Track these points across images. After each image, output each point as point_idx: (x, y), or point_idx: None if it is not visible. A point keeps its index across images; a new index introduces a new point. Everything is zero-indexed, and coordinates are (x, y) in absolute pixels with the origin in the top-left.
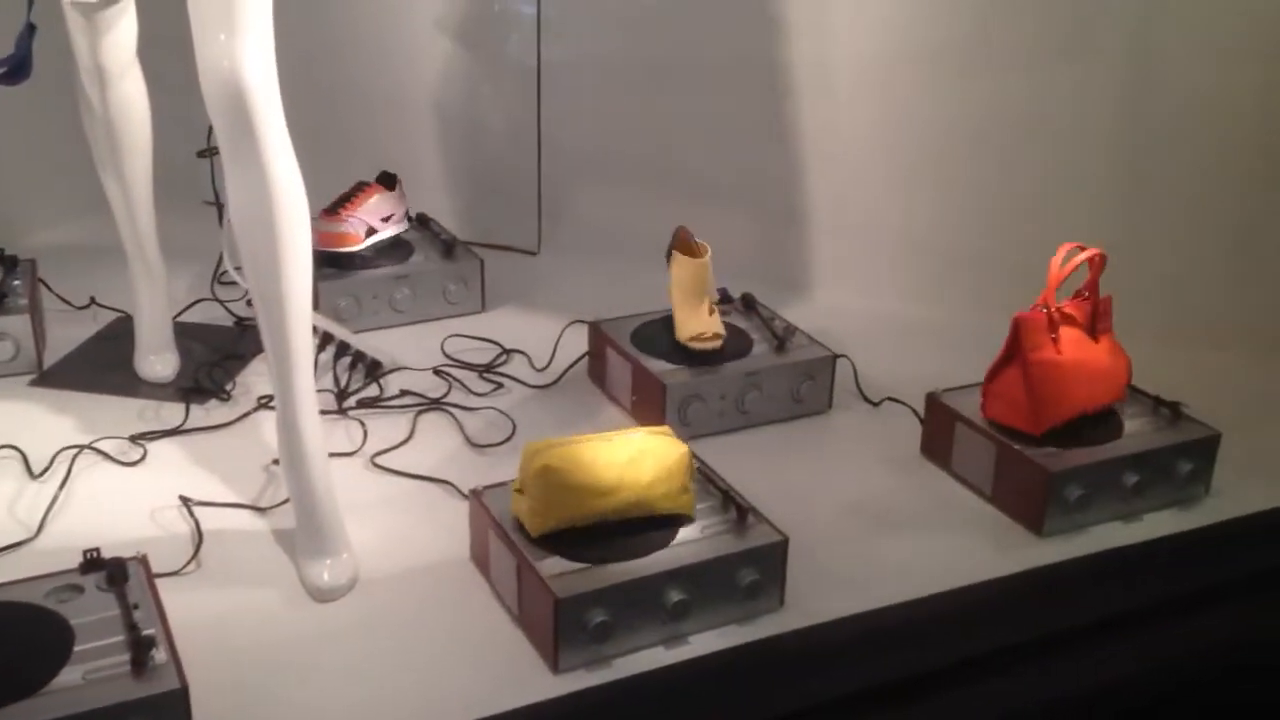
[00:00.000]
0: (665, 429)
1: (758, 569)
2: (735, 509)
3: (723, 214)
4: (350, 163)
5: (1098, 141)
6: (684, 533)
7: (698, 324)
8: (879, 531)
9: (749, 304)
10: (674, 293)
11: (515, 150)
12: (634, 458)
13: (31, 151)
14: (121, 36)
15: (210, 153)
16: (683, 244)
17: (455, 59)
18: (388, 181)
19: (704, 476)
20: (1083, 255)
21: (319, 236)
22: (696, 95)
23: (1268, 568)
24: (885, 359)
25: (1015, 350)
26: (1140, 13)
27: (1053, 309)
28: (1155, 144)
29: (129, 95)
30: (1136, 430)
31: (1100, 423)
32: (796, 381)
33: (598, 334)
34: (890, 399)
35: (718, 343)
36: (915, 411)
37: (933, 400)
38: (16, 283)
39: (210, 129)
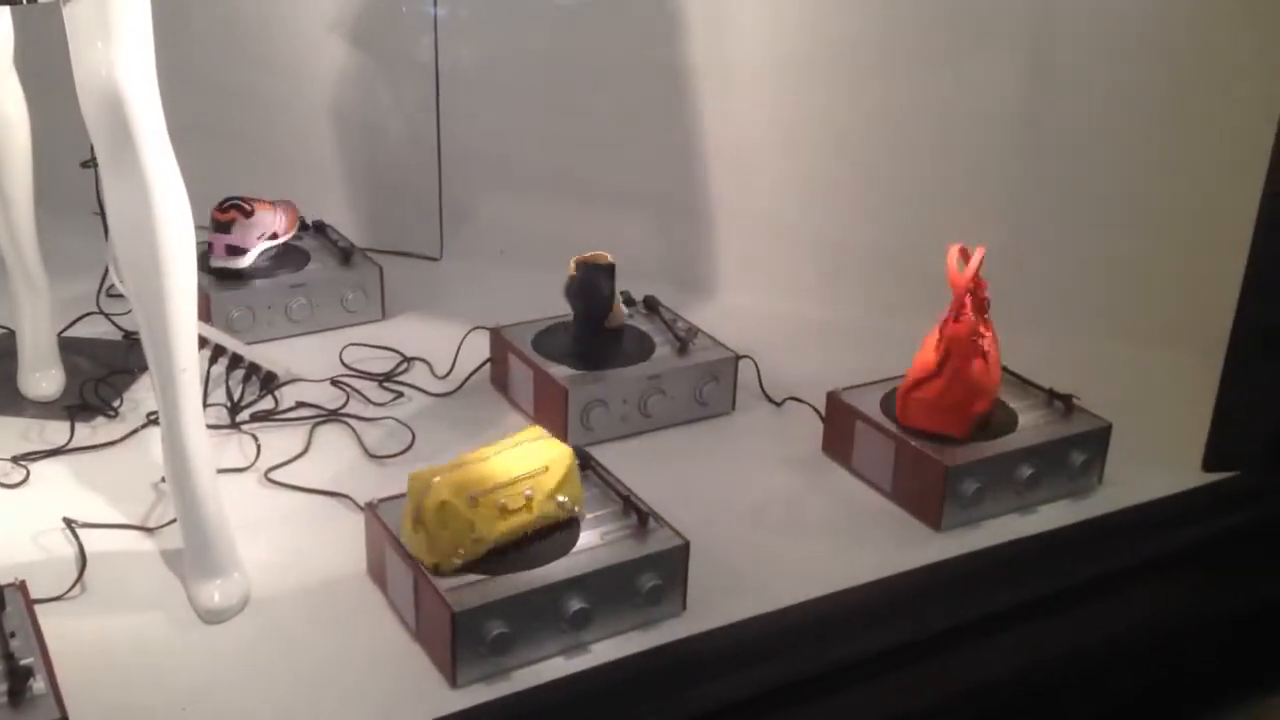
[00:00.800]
0: (539, 429)
1: (659, 574)
2: (636, 514)
3: (625, 216)
4: (243, 168)
5: (997, 140)
6: (584, 539)
7: None
8: (781, 532)
9: (651, 306)
10: None
11: (415, 154)
12: (536, 469)
13: None
14: None
15: (95, 163)
16: None
17: (352, 61)
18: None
19: (605, 482)
20: (978, 256)
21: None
22: (599, 97)
23: (1159, 555)
24: (788, 359)
25: (946, 361)
26: (1041, 9)
27: (972, 316)
28: (1055, 142)
29: (5, 103)
30: (1031, 423)
31: (993, 414)
32: (700, 383)
33: (499, 340)
34: (792, 399)
35: None
36: (817, 410)
37: (833, 399)
38: None
39: None
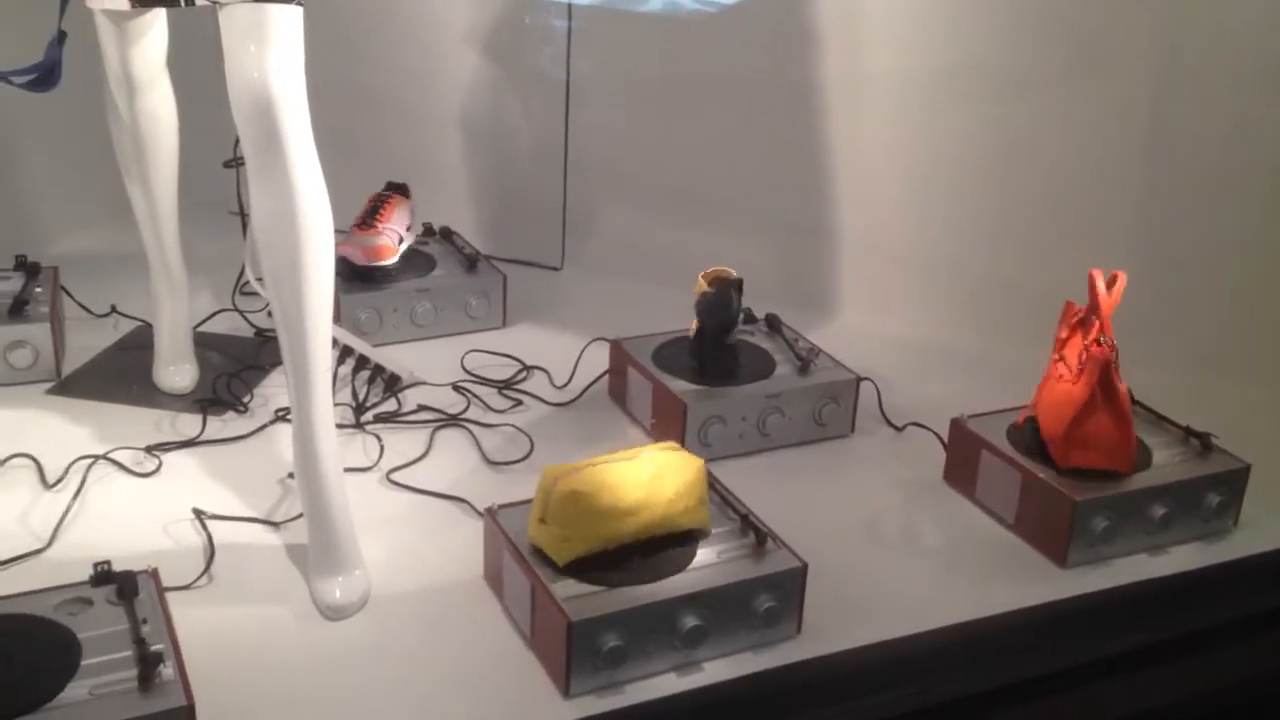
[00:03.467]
0: (673, 444)
1: (775, 595)
2: (754, 533)
3: (749, 234)
4: (373, 174)
5: (1121, 168)
6: (701, 556)
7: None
8: (900, 559)
9: (773, 325)
10: None
11: (541, 165)
12: (655, 475)
13: (56, 159)
14: (151, 45)
15: (237, 163)
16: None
17: (483, 71)
18: (403, 191)
19: (723, 499)
20: (1121, 282)
21: (360, 251)
22: (725, 113)
23: None
24: (910, 383)
25: (1100, 393)
26: (1168, 36)
27: (1112, 340)
28: (1181, 169)
29: (157, 104)
30: (1165, 461)
31: None
32: (819, 404)
33: (619, 352)
34: (914, 424)
35: None
36: (939, 437)
37: (957, 426)
38: (38, 290)
39: (238, 139)
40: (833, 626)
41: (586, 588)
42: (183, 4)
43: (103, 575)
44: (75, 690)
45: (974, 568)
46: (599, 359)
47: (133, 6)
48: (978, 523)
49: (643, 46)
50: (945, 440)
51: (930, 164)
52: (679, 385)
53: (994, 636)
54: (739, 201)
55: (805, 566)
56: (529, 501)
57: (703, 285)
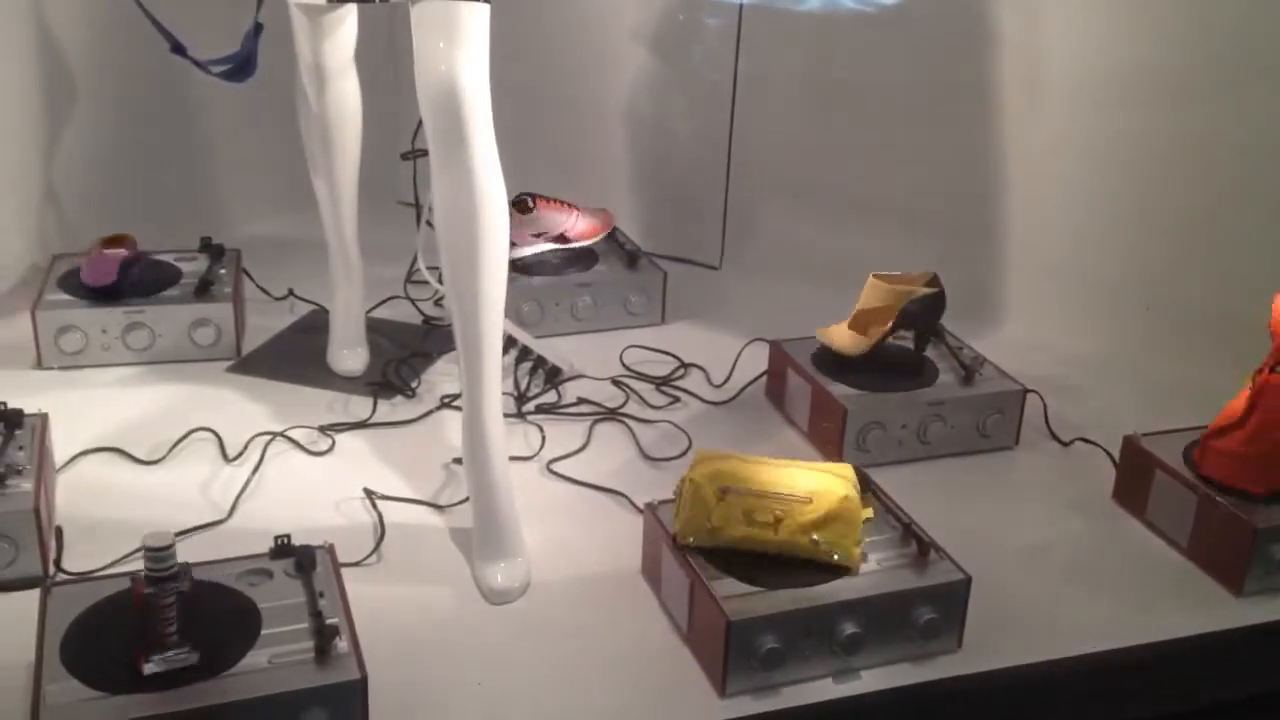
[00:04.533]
0: (847, 468)
1: (936, 608)
2: (916, 543)
3: (912, 238)
4: (538, 168)
5: None
6: (862, 563)
7: (838, 333)
8: (1064, 578)
9: (936, 332)
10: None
11: (704, 163)
12: (800, 496)
13: (243, 147)
14: (342, 38)
15: (413, 155)
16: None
17: (649, 68)
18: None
19: (885, 507)
20: None
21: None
22: (891, 115)
23: None
24: (1078, 398)
25: (1253, 412)
26: None
27: None
28: None
29: (345, 94)
30: None
31: None
32: (984, 415)
33: (778, 353)
34: (1082, 439)
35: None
36: (1110, 454)
37: (1130, 444)
38: (223, 271)
39: (416, 132)
40: (994, 643)
41: (746, 587)
42: (376, 0)
43: (282, 548)
44: (255, 658)
45: (1143, 591)
46: (758, 359)
47: (329, 1)
48: (1148, 545)
49: (811, 47)
50: (1115, 458)
51: (1112, 173)
52: (839, 389)
53: (1162, 663)
54: (902, 205)
55: (969, 579)
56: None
57: (881, 286)
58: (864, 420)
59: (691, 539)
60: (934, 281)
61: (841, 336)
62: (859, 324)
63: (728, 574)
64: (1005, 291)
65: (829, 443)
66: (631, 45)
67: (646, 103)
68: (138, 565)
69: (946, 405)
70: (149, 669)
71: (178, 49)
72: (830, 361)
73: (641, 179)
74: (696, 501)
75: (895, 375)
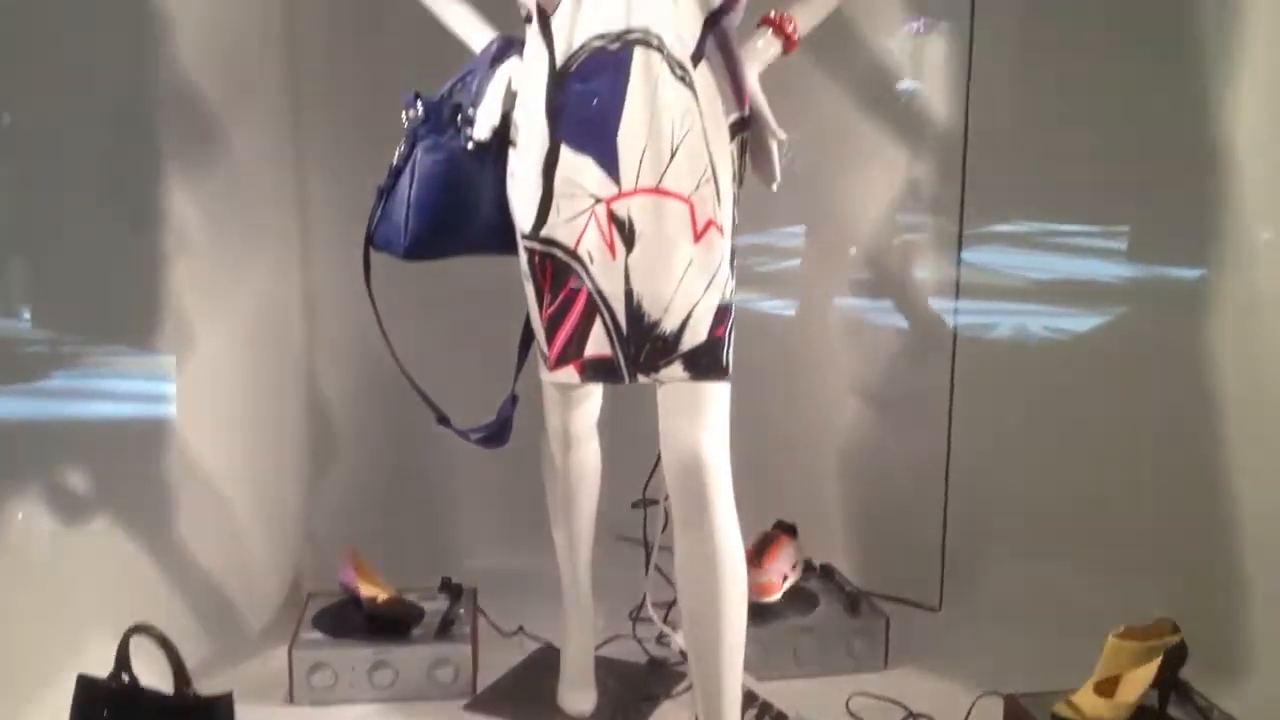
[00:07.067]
0: None
1: None
2: None
3: (1139, 583)
4: (759, 510)
5: None
6: None
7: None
8: None
9: (1183, 693)
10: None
11: (920, 499)
12: None
13: (481, 489)
14: (589, 409)
15: (644, 504)
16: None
17: (866, 405)
18: (790, 531)
19: None
20: None
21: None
22: (1124, 453)
23: None
24: None
25: None
26: None
27: None
28: None
29: (588, 458)
30: None
31: None
32: None
33: (1015, 708)
34: None
35: None
36: None
37: None
38: (461, 611)
39: (648, 481)
40: None
41: None
42: (626, 381)
43: None
44: None
45: None
46: (991, 714)
47: (583, 382)
48: None
49: (1030, 382)
50: None
51: None
52: None
53: None
54: (1128, 550)
55: None
56: None
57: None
58: None
59: None
60: (1174, 629)
61: (1094, 706)
62: (1104, 688)
63: None
64: (1252, 641)
65: None
66: (845, 391)
67: (860, 440)
68: None
69: None
70: None
71: (442, 420)
72: None
73: (854, 517)
74: None
75: None
